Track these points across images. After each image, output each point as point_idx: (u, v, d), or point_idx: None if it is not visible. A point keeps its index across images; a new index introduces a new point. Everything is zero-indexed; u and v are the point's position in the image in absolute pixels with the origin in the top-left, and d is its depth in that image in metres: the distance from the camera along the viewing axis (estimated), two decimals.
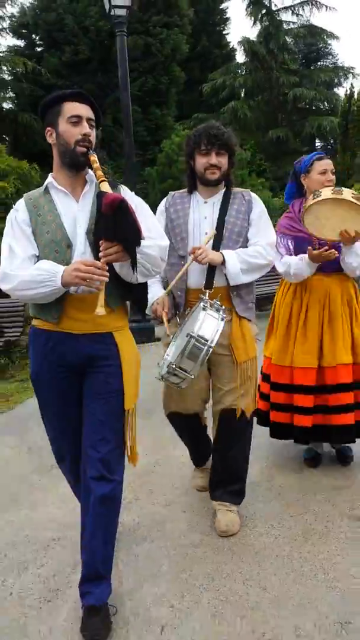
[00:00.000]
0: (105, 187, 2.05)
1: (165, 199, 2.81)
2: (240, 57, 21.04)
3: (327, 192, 2.75)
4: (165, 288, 2.75)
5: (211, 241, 2.59)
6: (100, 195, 2.02)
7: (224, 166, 2.63)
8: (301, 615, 1.99)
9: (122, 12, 6.30)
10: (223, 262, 2.56)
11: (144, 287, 2.35)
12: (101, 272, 1.98)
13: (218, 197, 2.68)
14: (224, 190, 2.70)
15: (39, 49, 16.85)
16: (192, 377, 2.40)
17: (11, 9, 15.99)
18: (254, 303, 2.80)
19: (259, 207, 2.72)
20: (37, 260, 2.14)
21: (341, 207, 2.73)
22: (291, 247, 3.06)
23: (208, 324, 2.39)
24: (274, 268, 2.93)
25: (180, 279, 2.61)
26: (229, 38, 27.33)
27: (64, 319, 2.17)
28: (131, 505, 2.90)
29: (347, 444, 3.26)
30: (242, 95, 19.30)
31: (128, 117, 6.56)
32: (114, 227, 1.99)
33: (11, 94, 15.74)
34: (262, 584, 2.19)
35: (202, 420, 2.92)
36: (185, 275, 2.64)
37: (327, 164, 3.09)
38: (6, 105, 14.70)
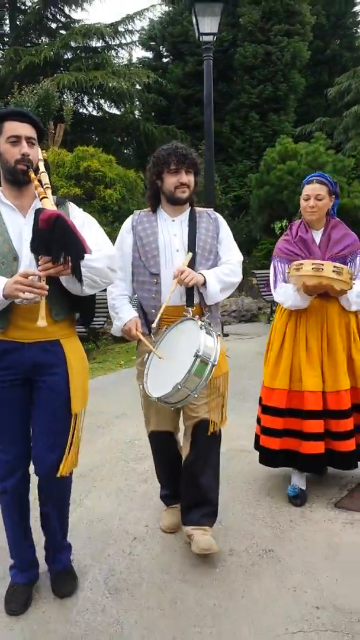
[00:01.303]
0: (45, 203, 2.19)
1: (130, 218, 2.92)
2: None
3: (307, 267, 2.88)
4: (134, 306, 2.86)
5: (187, 260, 2.71)
6: (37, 211, 2.12)
7: (192, 185, 2.77)
8: None
9: (209, 38, 7.21)
10: (204, 283, 2.70)
11: (91, 299, 2.44)
12: (40, 286, 2.10)
13: (185, 215, 2.83)
14: (189, 209, 2.84)
15: (165, 60, 18.34)
16: (196, 395, 2.45)
17: (140, 23, 17.52)
18: (219, 318, 3.00)
19: (225, 226, 2.91)
20: None
21: (320, 280, 2.86)
22: (287, 271, 3.10)
23: (208, 342, 2.46)
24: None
25: (154, 299, 2.74)
26: None
27: (10, 328, 2.28)
28: None
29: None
30: None
31: (210, 133, 7.54)
32: (50, 242, 2.11)
33: (137, 103, 17.31)
34: None
35: (178, 443, 3.02)
36: (159, 295, 2.74)
37: (311, 189, 3.11)
38: (132, 116, 16.22)
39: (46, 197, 2.22)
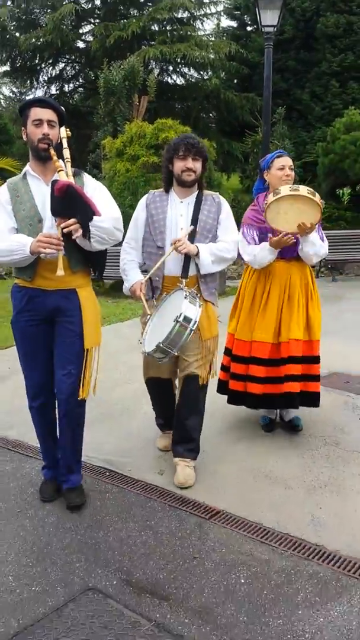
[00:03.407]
0: (61, 175, 2.84)
1: (146, 196, 3.53)
2: None
3: (285, 190, 3.36)
4: (143, 273, 3.46)
5: (187, 235, 3.30)
6: (53, 182, 2.81)
7: (198, 170, 3.33)
8: None
9: (269, 29, 8.88)
10: (197, 254, 3.28)
11: (102, 254, 3.10)
12: (57, 242, 2.77)
13: (192, 197, 3.41)
14: (196, 192, 3.43)
15: (249, 29, 19.78)
16: (175, 354, 3.15)
17: None
18: (216, 289, 3.54)
19: (226, 209, 3.48)
20: (17, 232, 2.91)
21: (298, 202, 3.33)
22: (256, 237, 3.69)
23: (190, 309, 3.06)
24: None
25: (159, 266, 3.29)
26: None
27: (37, 278, 2.96)
28: None
29: (297, 416, 4.03)
30: None
31: (267, 111, 9.26)
32: (65, 207, 2.76)
33: (220, 72, 18.93)
34: None
35: (173, 387, 3.70)
36: (163, 264, 3.32)
37: (285, 160, 3.68)
38: (214, 84, 17.83)
39: (62, 170, 2.89)
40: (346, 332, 6.58)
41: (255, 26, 19.10)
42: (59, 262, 2.82)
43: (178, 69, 18.90)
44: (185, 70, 19.03)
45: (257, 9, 8.93)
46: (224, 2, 19.34)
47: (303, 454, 3.80)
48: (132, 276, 3.46)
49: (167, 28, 18.12)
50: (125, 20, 17.71)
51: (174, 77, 19.44)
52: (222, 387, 4.07)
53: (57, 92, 19.93)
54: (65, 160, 2.99)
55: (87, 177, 3.10)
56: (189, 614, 2.45)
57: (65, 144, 3.02)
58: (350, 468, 3.60)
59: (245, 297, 3.88)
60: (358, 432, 4.11)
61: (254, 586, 2.61)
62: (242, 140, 16.46)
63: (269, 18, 8.83)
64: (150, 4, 19.02)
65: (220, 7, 19.29)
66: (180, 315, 3.01)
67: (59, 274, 2.82)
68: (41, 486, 3.39)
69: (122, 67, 14.10)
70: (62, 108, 3.06)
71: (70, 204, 2.80)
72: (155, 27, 18.08)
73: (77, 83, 20.64)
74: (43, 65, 19.37)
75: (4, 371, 5.53)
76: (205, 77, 18.64)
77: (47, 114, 2.91)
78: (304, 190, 3.35)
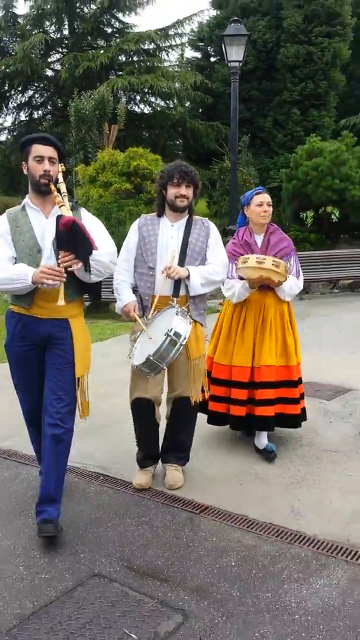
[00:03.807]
0: (63, 210, 2.96)
1: (138, 220, 3.67)
2: None
3: (252, 261, 3.69)
4: (133, 292, 3.57)
5: (177, 258, 3.45)
6: (58, 217, 2.92)
7: (190, 197, 3.51)
8: None
9: (235, 64, 9.42)
10: (187, 276, 3.42)
11: (98, 284, 3.23)
12: (60, 274, 2.90)
13: (182, 222, 3.57)
14: (187, 217, 3.59)
15: (212, 59, 20.56)
16: (165, 367, 3.26)
17: (189, 27, 19.78)
18: (205, 310, 3.68)
19: (215, 233, 3.65)
20: (15, 261, 3.03)
21: (261, 272, 3.67)
22: (234, 271, 3.88)
23: (181, 325, 3.19)
24: None
25: (149, 288, 3.51)
26: None
27: (33, 307, 3.09)
28: None
29: (269, 444, 4.07)
30: None
31: (234, 141, 9.77)
32: (68, 241, 2.91)
33: (185, 101, 19.59)
34: None
35: (157, 412, 3.69)
36: (153, 285, 3.50)
37: (263, 197, 3.91)
38: (179, 113, 18.47)
39: (64, 205, 3.03)
40: (314, 346, 6.97)
41: (219, 57, 19.92)
42: (60, 293, 2.95)
43: (145, 98, 19.50)
44: (152, 99, 19.66)
45: (223, 45, 9.47)
46: (188, 34, 20.08)
47: (281, 454, 4.13)
48: (125, 296, 3.57)
49: (134, 59, 18.72)
50: (93, 51, 18.25)
51: (141, 105, 20.09)
52: (202, 407, 4.07)
53: (27, 118, 20.34)
54: (63, 195, 3.11)
55: (83, 211, 3.26)
56: (187, 592, 2.74)
57: (60, 179, 3.16)
58: (324, 465, 3.95)
59: (224, 322, 4.11)
60: (329, 433, 4.49)
61: (243, 567, 2.92)
62: (208, 167, 17.03)
63: (235, 53, 9.38)
64: (117, 35, 19.64)
65: (185, 39, 20.01)
66: (170, 330, 3.13)
67: (60, 303, 2.95)
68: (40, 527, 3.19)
69: (92, 96, 14.58)
70: (62, 145, 3.23)
71: (73, 238, 2.94)
72: (123, 58, 18.66)
73: (46, 110, 21.07)
74: (12, 92, 19.77)
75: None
76: (172, 106, 19.28)
77: (48, 151, 3.07)
78: (268, 263, 3.66)
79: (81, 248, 2.96)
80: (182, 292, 3.51)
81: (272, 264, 3.65)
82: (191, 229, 3.59)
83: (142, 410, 3.67)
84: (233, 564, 2.95)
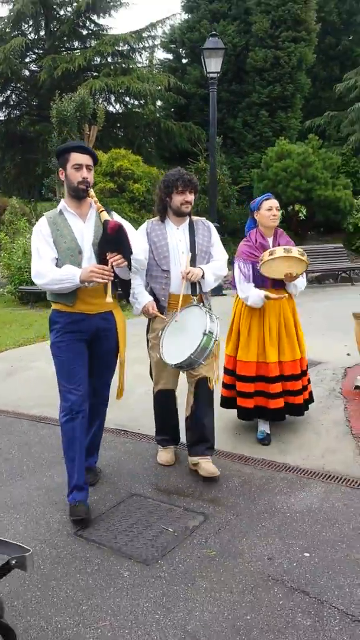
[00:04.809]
0: (105, 215, 3.27)
1: (145, 224, 3.91)
2: None
3: (280, 251, 3.91)
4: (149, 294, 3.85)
5: (189, 260, 3.77)
6: (105, 222, 3.24)
7: (192, 202, 3.79)
8: None
9: (214, 75, 10.36)
10: (202, 276, 3.76)
11: (129, 282, 3.56)
12: (109, 273, 3.20)
13: (185, 224, 3.86)
14: (188, 219, 3.86)
15: (184, 61, 21.46)
16: (204, 363, 3.59)
17: (162, 29, 20.64)
18: (210, 301, 4.03)
19: (215, 232, 3.97)
20: (56, 262, 3.30)
21: (289, 261, 3.94)
22: (250, 272, 4.15)
23: (213, 324, 3.56)
24: None
25: (164, 289, 3.81)
26: None
27: (77, 303, 3.35)
28: None
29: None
30: None
31: (213, 145, 10.73)
32: (116, 243, 3.22)
33: (159, 103, 20.47)
34: None
35: (176, 400, 4.12)
36: (168, 286, 3.79)
37: (272, 202, 4.18)
38: (153, 114, 19.36)
39: (104, 211, 3.33)
40: None
41: (190, 59, 20.81)
42: (108, 290, 3.29)
43: (121, 99, 20.31)
44: (127, 99, 20.47)
45: (202, 58, 10.39)
46: (160, 36, 20.94)
47: None
48: (143, 297, 3.83)
49: (109, 60, 19.51)
50: (70, 52, 18.96)
51: (116, 105, 20.83)
52: (227, 403, 4.60)
53: (5, 117, 20.91)
54: (93, 200, 3.41)
55: (115, 215, 3.51)
56: (205, 502, 3.68)
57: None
58: (302, 417, 4.90)
59: (241, 322, 4.34)
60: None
61: (245, 487, 3.87)
62: (181, 166, 17.87)
63: (213, 65, 10.32)
64: (92, 37, 20.39)
65: (157, 41, 20.86)
66: (207, 330, 3.50)
67: (109, 300, 3.30)
68: (72, 509, 3.46)
69: (72, 99, 15.33)
70: (95, 153, 3.50)
71: (120, 240, 3.27)
72: (99, 60, 19.43)
73: (24, 109, 21.68)
74: None
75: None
76: (146, 107, 20.13)
77: (85, 159, 3.32)
78: (295, 251, 3.96)
79: (126, 248, 3.29)
80: (198, 290, 3.86)
81: (298, 252, 3.96)
82: (195, 230, 3.90)
83: (166, 399, 4.09)
84: (237, 484, 3.91)
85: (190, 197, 3.81)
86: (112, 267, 3.28)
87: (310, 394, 4.67)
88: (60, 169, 3.38)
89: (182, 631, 2.55)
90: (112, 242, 3.27)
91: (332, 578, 2.88)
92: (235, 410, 4.57)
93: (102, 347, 3.55)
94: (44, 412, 5.41)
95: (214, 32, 11.13)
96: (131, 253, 3.33)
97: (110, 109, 20.61)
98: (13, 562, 2.04)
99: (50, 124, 15.47)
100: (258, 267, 4.09)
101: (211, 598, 2.76)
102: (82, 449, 3.48)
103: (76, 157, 3.30)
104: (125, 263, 3.30)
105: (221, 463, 4.19)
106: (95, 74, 19.15)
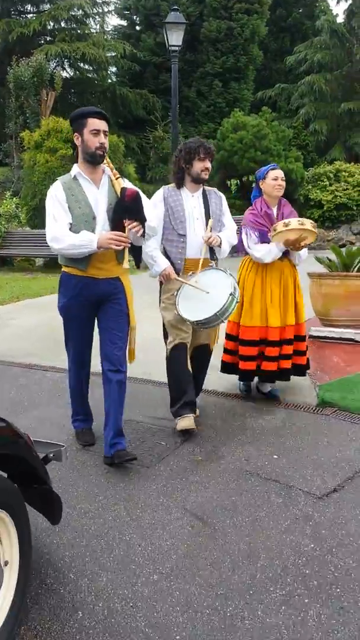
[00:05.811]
0: (120, 182, 3.35)
1: (162, 190, 4.03)
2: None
3: (294, 223, 4.11)
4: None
5: (211, 225, 3.94)
6: (123, 190, 3.31)
7: (210, 169, 3.99)
8: None
9: (175, 48, 10.87)
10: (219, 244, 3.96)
11: (140, 248, 3.64)
12: (126, 239, 3.28)
13: (199, 192, 4.03)
14: (202, 187, 4.04)
15: (138, 28, 21.73)
16: (225, 321, 3.85)
17: None
18: None
19: (225, 202, 4.18)
20: (71, 227, 3.34)
21: (302, 232, 4.13)
22: (257, 237, 4.31)
23: (235, 285, 3.83)
24: None
25: (180, 253, 3.96)
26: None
27: (89, 268, 3.43)
28: None
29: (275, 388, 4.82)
30: (320, 69, 22.94)
31: (174, 116, 11.29)
32: (134, 210, 3.29)
33: (113, 69, 20.73)
34: None
35: (188, 356, 4.12)
36: (184, 250, 3.96)
37: (277, 172, 4.33)
38: (109, 80, 19.66)
39: (119, 177, 3.39)
40: None
41: (143, 25, 21.08)
42: (125, 257, 3.42)
43: (75, 65, 20.47)
44: (81, 64, 20.64)
45: (164, 31, 10.89)
46: (114, 2, 21.13)
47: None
48: (162, 261, 3.99)
49: (64, 26, 19.62)
50: (25, 17, 18.98)
51: (70, 71, 20.98)
52: (228, 369, 4.85)
53: None
54: (109, 166, 3.48)
55: (126, 181, 3.56)
56: (226, 437, 4.31)
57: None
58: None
59: (244, 289, 4.47)
60: None
61: (220, 412, 4.64)
62: (135, 133, 18.35)
63: (174, 39, 10.84)
64: (46, 1, 20.40)
65: (111, 7, 21.06)
66: (234, 290, 3.77)
67: (126, 266, 3.44)
68: (79, 434, 4.04)
69: (29, 64, 15.53)
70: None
71: (136, 207, 3.35)
72: (53, 25, 19.51)
73: None
74: None
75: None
76: (100, 73, 20.38)
77: (103, 125, 3.34)
78: (307, 223, 4.18)
79: (142, 216, 3.36)
80: (205, 254, 4.00)
81: (311, 224, 4.19)
82: (208, 198, 4.09)
83: (179, 353, 4.12)
84: (213, 411, 4.68)
85: (209, 165, 4.02)
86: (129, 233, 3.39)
87: (308, 360, 4.86)
88: (76, 133, 3.40)
89: (182, 509, 3.27)
90: (129, 209, 3.36)
91: (297, 471, 3.66)
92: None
93: (113, 312, 3.63)
94: (33, 361, 6.02)
95: (175, 7, 11.59)
96: (145, 220, 3.43)
97: (65, 74, 20.72)
98: (51, 455, 2.56)
99: (7, 88, 15.66)
100: (270, 236, 4.33)
101: (202, 487, 3.50)
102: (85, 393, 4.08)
103: (94, 122, 3.32)
104: (141, 229, 3.40)
105: (215, 399, 4.90)
106: (50, 39, 19.23)
